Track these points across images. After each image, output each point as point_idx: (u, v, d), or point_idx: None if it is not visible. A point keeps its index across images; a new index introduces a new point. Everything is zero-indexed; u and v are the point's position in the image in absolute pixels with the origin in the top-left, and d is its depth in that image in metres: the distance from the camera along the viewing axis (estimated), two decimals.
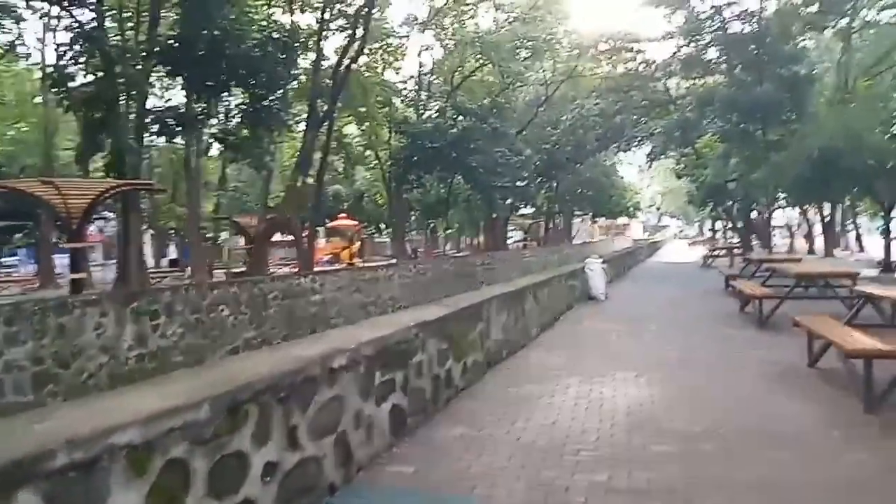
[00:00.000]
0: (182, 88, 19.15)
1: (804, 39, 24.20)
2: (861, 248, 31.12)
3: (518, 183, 30.39)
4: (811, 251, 29.70)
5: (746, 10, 23.61)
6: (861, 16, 23.66)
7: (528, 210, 43.28)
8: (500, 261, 26.31)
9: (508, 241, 41.81)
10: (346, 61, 22.35)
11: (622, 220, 67.59)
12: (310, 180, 23.47)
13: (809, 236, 33.88)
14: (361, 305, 16.13)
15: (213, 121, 20.27)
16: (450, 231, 46.60)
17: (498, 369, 6.24)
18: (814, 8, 22.06)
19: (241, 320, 12.10)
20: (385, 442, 3.87)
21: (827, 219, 28.33)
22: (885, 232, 19.26)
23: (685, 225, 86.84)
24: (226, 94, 19.11)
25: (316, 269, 20.34)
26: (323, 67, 23.26)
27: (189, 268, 21.90)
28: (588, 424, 4.40)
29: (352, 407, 3.54)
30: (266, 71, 17.38)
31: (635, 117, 33.00)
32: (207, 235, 24.43)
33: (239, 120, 19.68)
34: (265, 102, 18.40)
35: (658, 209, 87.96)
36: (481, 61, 30.22)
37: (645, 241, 50.36)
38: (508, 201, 33.48)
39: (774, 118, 21.92)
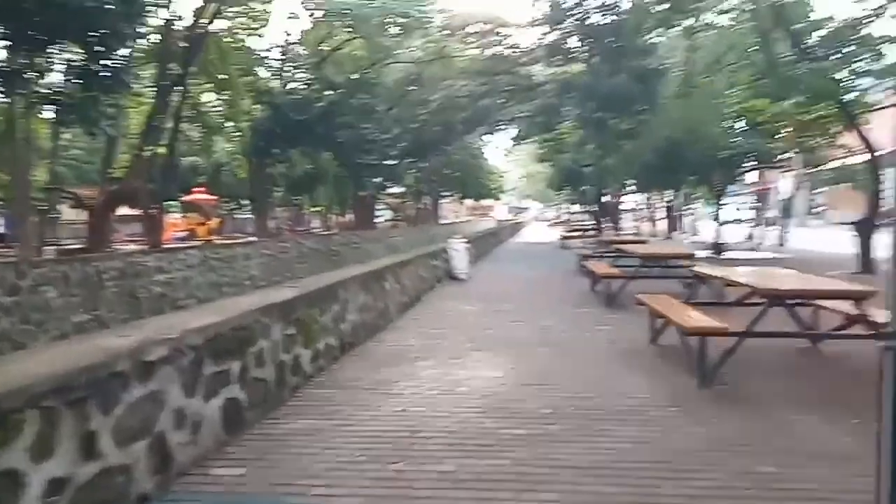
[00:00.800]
0: (3, 39, 16.67)
1: (655, 36, 25.88)
2: (696, 232, 34.33)
3: (387, 161, 30.09)
4: (655, 234, 32.30)
5: (605, 4, 24.82)
6: (703, 18, 25.72)
7: (398, 189, 43.20)
8: (367, 239, 25.99)
9: (377, 220, 41.51)
10: (202, 23, 20.68)
11: (487, 201, 69.66)
12: (161, 150, 21.60)
13: (653, 220, 36.86)
14: (215, 285, 15.16)
15: (45, 80, 17.92)
16: (317, 208, 45.40)
17: (353, 354, 5.97)
18: (665, 6, 23.58)
19: (72, 303, 10.85)
20: (216, 440, 3.47)
21: (668, 204, 30.93)
22: (717, 217, 21.32)
23: (545, 207, 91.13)
24: (58, 48, 16.91)
25: (169, 246, 18.86)
26: (176, 28, 21.38)
27: (15, 243, 19.41)
28: (441, 410, 4.27)
29: (173, 404, 3.10)
30: (106, 26, 15.55)
31: (501, 101, 33.74)
32: (40, 208, 21.75)
33: (74, 79, 17.52)
34: (104, 61, 16.52)
35: (520, 192, 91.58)
36: (350, 34, 29.34)
37: (508, 222, 52.19)
38: (377, 179, 33.09)
39: (627, 108, 23.30)
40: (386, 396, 4.58)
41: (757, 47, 17.84)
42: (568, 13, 25.15)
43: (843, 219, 27.43)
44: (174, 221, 31.30)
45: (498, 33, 30.90)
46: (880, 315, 4.86)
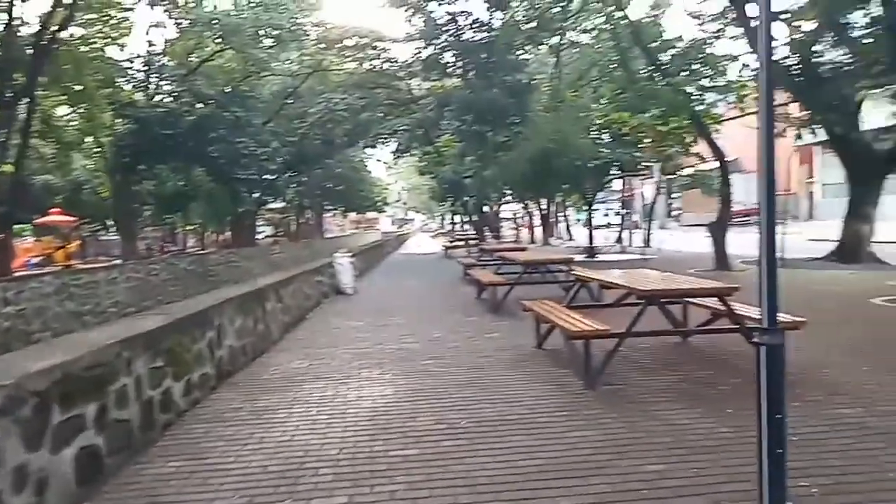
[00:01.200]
0: None
1: (525, 52, 27.00)
2: (570, 237, 36.08)
3: (265, 175, 29.04)
4: (533, 240, 33.57)
5: (478, 20, 25.58)
6: (568, 36, 27.21)
7: (279, 204, 41.86)
8: (247, 258, 24.88)
9: (258, 237, 39.96)
10: (51, 29, 18.92)
11: (372, 214, 69.34)
12: (7, 168, 19.45)
13: (531, 227, 38.34)
14: (76, 315, 13.81)
15: None
16: (192, 226, 42.99)
17: (232, 381, 5.56)
18: (533, 25, 24.70)
19: None
20: (69, 498, 3.04)
21: (544, 211, 32.29)
22: (588, 223, 22.50)
23: (429, 219, 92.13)
24: None
25: (20, 273, 16.99)
26: (21, 35, 19.42)
27: None
28: (329, 436, 4.04)
29: (11, 462, 2.67)
30: None
31: (381, 114, 33.75)
32: None
33: None
34: None
35: (404, 204, 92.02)
36: (220, 45, 28.07)
37: (393, 235, 52.17)
38: (255, 195, 31.86)
39: (501, 121, 24.10)
40: (269, 426, 4.29)
41: (616, 64, 19.10)
42: (442, 29, 25.64)
43: (697, 221, 29.98)
44: (27, 246, 28.32)
45: (375, 47, 30.87)
46: (742, 309, 5.24)
